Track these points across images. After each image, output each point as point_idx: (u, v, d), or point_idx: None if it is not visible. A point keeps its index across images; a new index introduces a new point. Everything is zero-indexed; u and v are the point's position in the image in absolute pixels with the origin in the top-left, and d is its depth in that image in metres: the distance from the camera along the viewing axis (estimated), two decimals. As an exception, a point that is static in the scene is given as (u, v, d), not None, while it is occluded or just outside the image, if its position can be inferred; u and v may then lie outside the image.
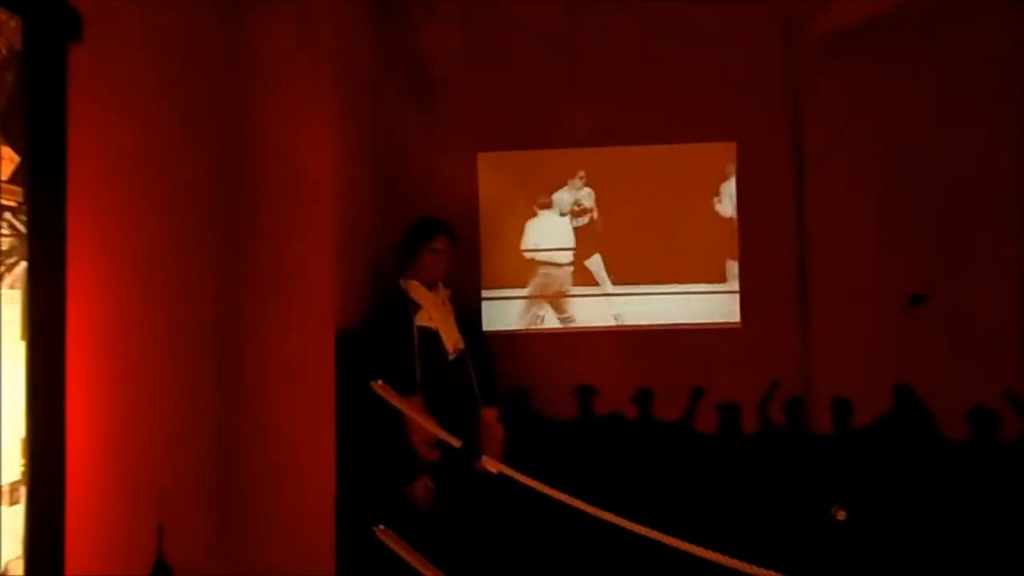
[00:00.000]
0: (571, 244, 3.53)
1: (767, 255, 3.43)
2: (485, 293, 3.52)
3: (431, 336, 2.96)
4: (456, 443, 2.53)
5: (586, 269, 3.51)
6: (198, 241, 2.53)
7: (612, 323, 3.48)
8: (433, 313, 3.00)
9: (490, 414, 3.02)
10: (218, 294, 2.62)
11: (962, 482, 3.19)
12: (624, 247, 3.50)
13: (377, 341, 2.90)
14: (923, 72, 3.35)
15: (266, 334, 2.70)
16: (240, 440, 2.67)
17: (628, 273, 3.49)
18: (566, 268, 3.53)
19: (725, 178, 3.48)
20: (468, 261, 3.47)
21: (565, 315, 3.52)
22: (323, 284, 2.74)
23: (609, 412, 3.44)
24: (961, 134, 3.33)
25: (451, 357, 2.98)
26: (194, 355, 2.49)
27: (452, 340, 2.99)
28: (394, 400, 2.68)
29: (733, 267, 3.46)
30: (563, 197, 3.53)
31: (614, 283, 3.50)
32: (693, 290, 3.46)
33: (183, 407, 2.41)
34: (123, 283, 2.13)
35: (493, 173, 3.55)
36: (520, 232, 3.54)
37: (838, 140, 3.39)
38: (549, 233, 3.55)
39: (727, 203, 3.48)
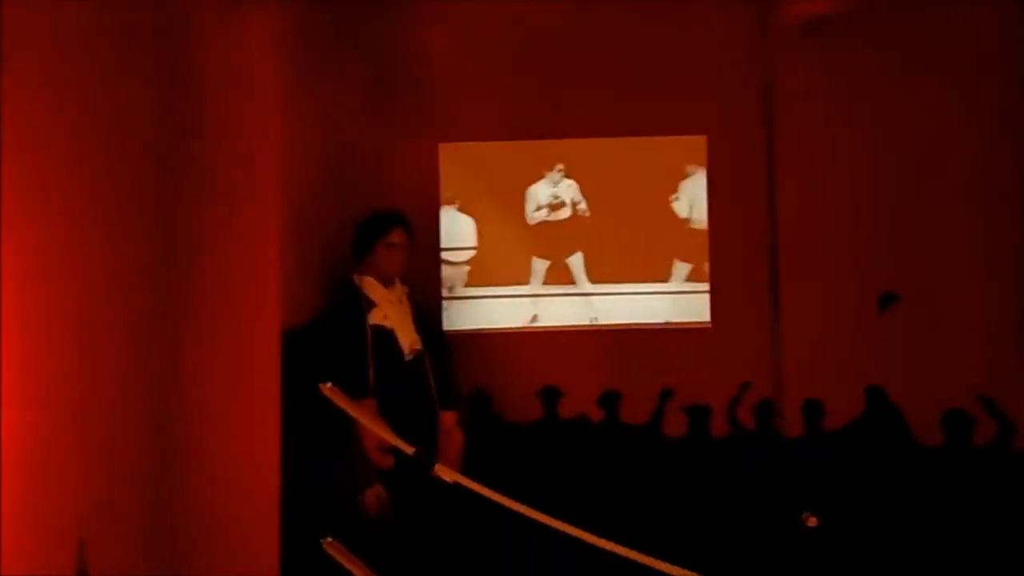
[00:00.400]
0: (470, 243, 3.41)
1: (738, 252, 3.33)
2: (446, 291, 3.37)
3: (386, 335, 2.80)
4: (409, 450, 2.36)
5: (566, 267, 3.36)
6: (129, 232, 2.33)
7: (587, 324, 3.35)
8: (388, 311, 2.83)
9: (449, 418, 2.86)
10: (152, 288, 2.43)
11: (934, 487, 3.11)
12: (590, 244, 3.36)
13: (327, 340, 2.72)
14: (903, 64, 3.27)
15: (205, 332, 2.51)
16: (175, 447, 2.47)
17: (597, 271, 3.35)
18: (461, 267, 3.40)
19: (684, 176, 3.34)
20: (428, 258, 3.32)
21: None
22: (267, 279, 2.56)
23: (574, 415, 3.30)
24: (940, 130, 3.25)
25: (408, 358, 2.82)
26: (123, 353, 2.29)
27: (409, 340, 2.83)
28: (344, 404, 2.50)
29: (681, 268, 3.33)
30: (540, 190, 3.38)
31: (594, 281, 3.37)
32: (662, 289, 3.34)
33: (109, 409, 2.21)
34: (42, 275, 1.94)
35: (455, 164, 3.40)
36: (483, 227, 3.39)
37: (812, 134, 3.31)
38: (448, 230, 3.43)
39: (684, 202, 3.34)
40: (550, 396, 3.30)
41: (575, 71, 3.39)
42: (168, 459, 2.46)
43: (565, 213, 3.38)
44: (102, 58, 2.16)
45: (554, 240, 3.39)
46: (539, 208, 3.38)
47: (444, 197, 3.39)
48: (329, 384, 2.52)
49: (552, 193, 3.38)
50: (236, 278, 2.55)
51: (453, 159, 3.40)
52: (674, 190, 3.37)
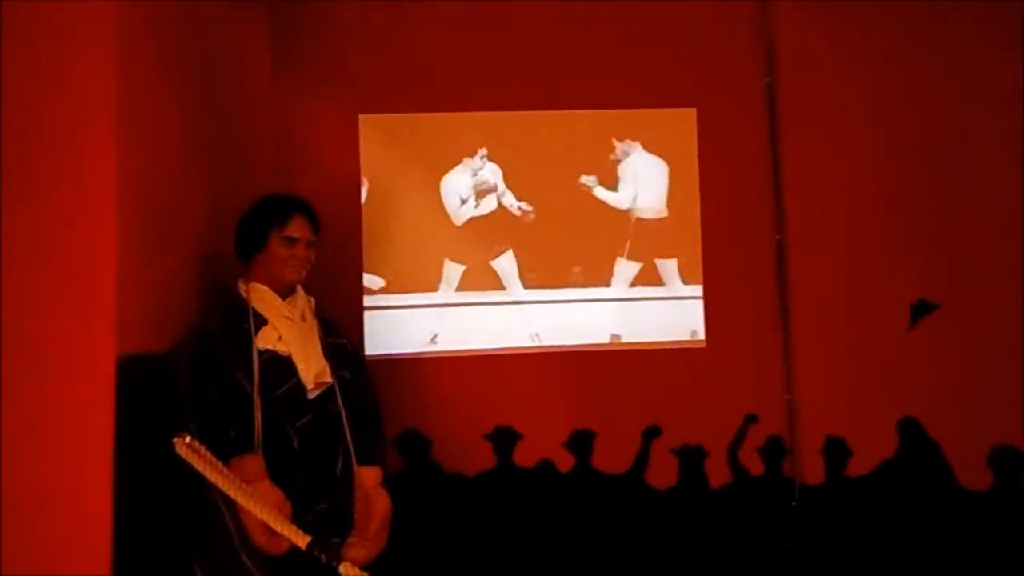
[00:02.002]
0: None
1: (738, 252, 2.68)
2: (369, 300, 2.60)
3: (280, 365, 2.02)
4: (302, 542, 1.59)
5: (492, 272, 2.63)
6: None
7: (529, 343, 2.61)
8: (285, 331, 2.06)
9: (370, 477, 2.09)
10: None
11: (984, 540, 2.50)
12: (544, 241, 2.65)
13: (193, 373, 1.93)
14: (929, 31, 2.70)
15: (9, 362, 1.69)
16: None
17: (549, 275, 2.64)
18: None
19: (614, 155, 2.69)
20: (345, 258, 2.57)
21: None
22: (98, 288, 1.75)
23: (536, 462, 2.57)
24: (973, 108, 2.69)
25: (311, 395, 2.04)
26: None
27: (313, 370, 2.05)
28: (208, 468, 1.71)
29: (626, 268, 2.66)
30: (458, 181, 2.64)
31: (529, 287, 2.64)
32: (640, 295, 2.65)
33: None
34: None
35: (380, 141, 2.64)
36: (415, 218, 2.64)
37: (824, 108, 2.70)
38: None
39: (627, 188, 2.68)
40: (504, 439, 2.57)
41: (525, 27, 2.70)
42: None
43: (492, 203, 2.66)
44: None
45: (478, 239, 2.66)
46: (464, 202, 2.65)
47: (369, 182, 2.63)
48: (187, 438, 1.73)
49: (474, 182, 2.65)
50: (53, 287, 1.73)
51: (379, 135, 2.65)
52: (604, 171, 2.68)
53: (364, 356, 2.40)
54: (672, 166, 2.71)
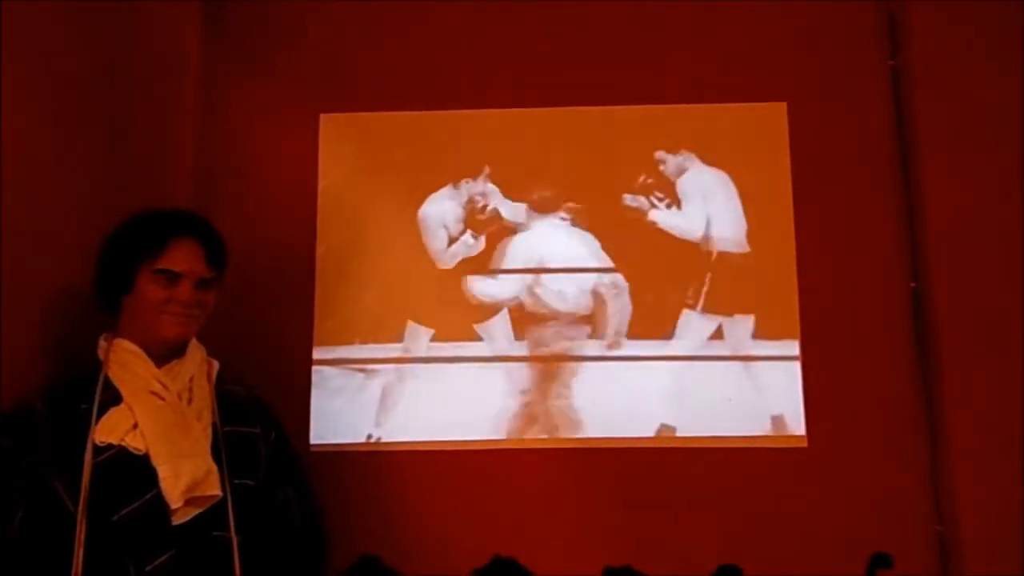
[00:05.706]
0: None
1: (853, 307, 1.86)
2: (320, 352, 1.86)
3: (130, 469, 1.32)
4: None
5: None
6: None
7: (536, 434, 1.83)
8: (144, 415, 1.35)
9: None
10: None
11: None
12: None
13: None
14: None
15: None
16: None
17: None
18: None
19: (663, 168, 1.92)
20: (287, 302, 1.87)
21: None
22: None
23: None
24: None
25: (179, 519, 1.31)
26: None
27: (185, 478, 1.32)
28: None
29: (700, 323, 1.85)
30: (444, 209, 1.92)
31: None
32: (701, 353, 1.85)
33: None
34: None
35: (344, 146, 1.95)
36: (392, 245, 1.92)
37: (981, 96, 1.88)
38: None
39: (695, 211, 1.90)
40: (504, 574, 1.77)
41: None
42: None
43: (480, 244, 1.91)
44: None
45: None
46: (453, 239, 1.92)
47: (323, 201, 1.93)
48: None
49: (466, 214, 1.92)
50: None
51: (342, 137, 1.97)
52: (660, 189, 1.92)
53: (298, 452, 1.64)
54: (748, 182, 1.94)
